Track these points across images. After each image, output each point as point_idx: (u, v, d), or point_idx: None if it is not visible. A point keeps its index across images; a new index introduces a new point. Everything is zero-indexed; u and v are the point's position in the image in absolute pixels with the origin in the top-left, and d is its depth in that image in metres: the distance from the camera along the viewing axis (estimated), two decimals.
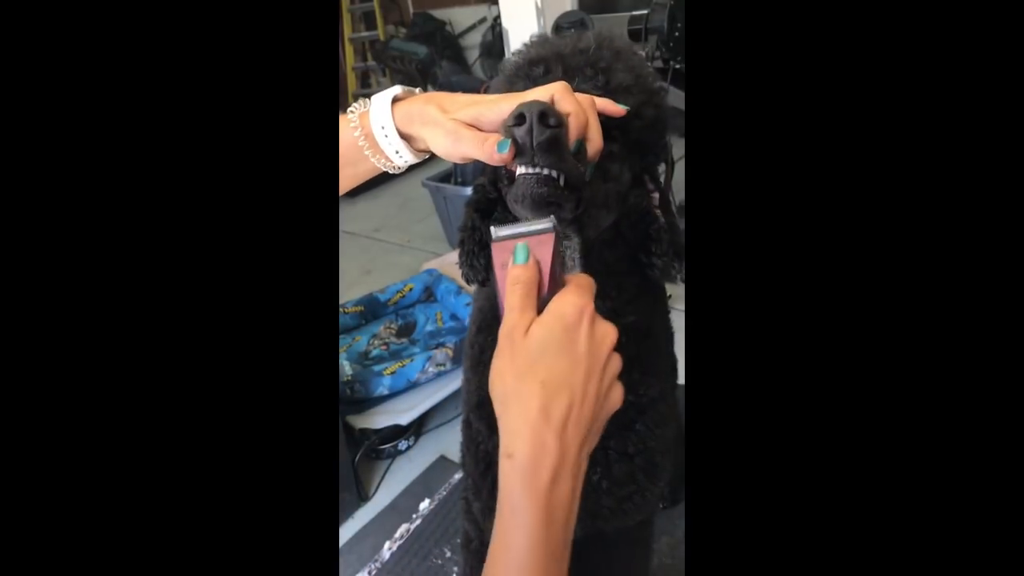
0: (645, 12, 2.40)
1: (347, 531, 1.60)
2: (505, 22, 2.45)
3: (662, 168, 0.67)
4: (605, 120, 0.54)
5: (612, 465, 0.74)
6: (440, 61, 4.71)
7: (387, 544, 1.36)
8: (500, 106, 0.51)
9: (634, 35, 2.43)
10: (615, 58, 0.59)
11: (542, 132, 0.47)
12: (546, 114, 0.46)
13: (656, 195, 0.65)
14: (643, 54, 0.61)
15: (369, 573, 1.29)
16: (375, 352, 2.08)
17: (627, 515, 0.78)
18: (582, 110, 0.50)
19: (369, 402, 1.88)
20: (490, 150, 0.50)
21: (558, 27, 2.62)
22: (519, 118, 0.47)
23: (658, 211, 0.64)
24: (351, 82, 5.58)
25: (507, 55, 0.64)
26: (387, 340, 2.14)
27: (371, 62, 5.53)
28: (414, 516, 1.44)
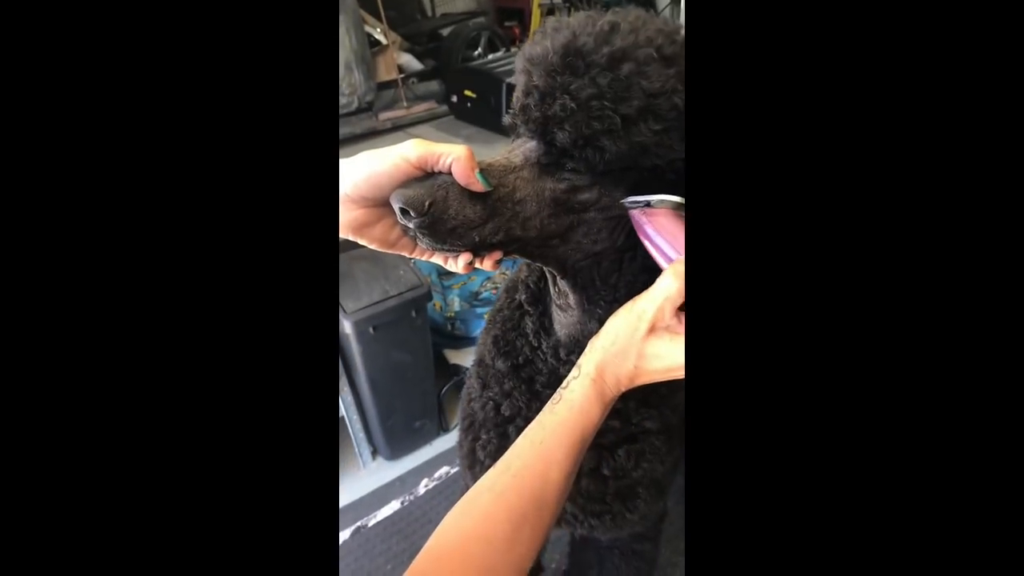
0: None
1: (422, 456, 1.88)
2: None
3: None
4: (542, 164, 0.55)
5: (581, 477, 0.76)
6: None
7: (424, 481, 1.61)
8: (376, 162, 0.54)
9: None
10: (563, 86, 0.51)
11: (407, 222, 0.52)
12: (405, 211, 0.50)
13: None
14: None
15: (402, 503, 1.56)
16: (485, 294, 2.26)
17: (595, 531, 0.81)
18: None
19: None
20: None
21: None
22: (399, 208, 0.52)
23: None
24: None
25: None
26: (499, 285, 2.30)
27: None
28: (456, 460, 1.65)
